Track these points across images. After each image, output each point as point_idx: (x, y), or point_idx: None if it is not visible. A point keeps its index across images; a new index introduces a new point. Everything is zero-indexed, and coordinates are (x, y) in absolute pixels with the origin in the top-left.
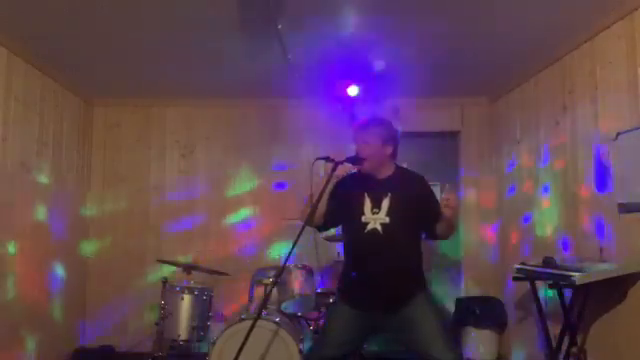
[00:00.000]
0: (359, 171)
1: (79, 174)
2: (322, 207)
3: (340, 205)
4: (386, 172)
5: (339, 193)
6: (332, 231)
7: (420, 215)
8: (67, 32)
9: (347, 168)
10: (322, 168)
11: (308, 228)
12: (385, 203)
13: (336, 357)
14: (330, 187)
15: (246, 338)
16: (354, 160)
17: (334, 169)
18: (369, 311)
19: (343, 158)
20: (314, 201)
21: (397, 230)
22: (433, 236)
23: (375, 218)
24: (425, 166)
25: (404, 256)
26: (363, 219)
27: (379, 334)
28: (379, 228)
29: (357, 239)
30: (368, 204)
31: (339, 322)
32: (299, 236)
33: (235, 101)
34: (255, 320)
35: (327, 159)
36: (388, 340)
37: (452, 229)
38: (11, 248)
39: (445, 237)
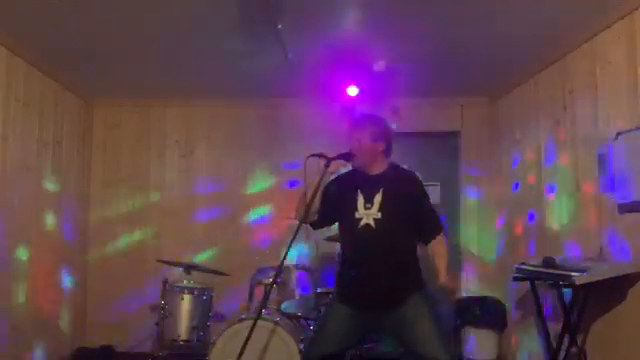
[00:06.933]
0: (352, 169)
1: (79, 174)
2: (316, 203)
3: (334, 203)
4: (378, 168)
5: (333, 191)
6: (333, 230)
7: (412, 213)
8: (67, 32)
9: (340, 164)
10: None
11: (305, 228)
12: (377, 199)
13: (332, 354)
14: (324, 183)
15: (248, 338)
16: (346, 156)
17: (327, 165)
18: (365, 310)
19: (335, 154)
20: (308, 198)
21: (390, 225)
22: (423, 240)
23: (368, 214)
24: (425, 166)
25: (398, 251)
26: (356, 215)
27: (375, 334)
28: (372, 223)
29: (351, 235)
30: (361, 200)
31: (335, 320)
32: (295, 235)
33: (235, 101)
34: (256, 320)
35: (320, 156)
36: (388, 340)
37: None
38: (11, 249)
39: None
